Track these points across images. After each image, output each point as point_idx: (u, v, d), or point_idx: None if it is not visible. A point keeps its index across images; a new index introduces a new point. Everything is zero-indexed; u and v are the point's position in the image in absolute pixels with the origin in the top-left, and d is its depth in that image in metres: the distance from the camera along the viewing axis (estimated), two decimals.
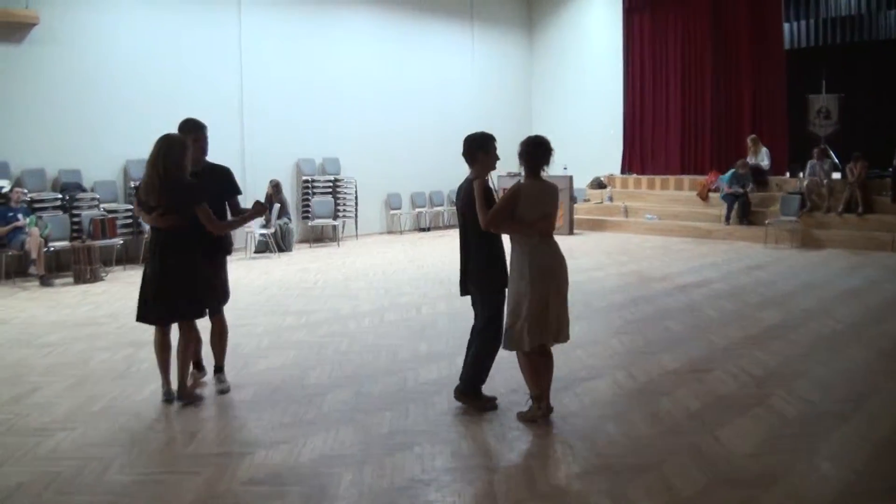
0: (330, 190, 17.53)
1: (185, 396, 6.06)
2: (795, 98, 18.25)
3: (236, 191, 6.54)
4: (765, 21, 18.53)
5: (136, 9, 14.50)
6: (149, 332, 6.22)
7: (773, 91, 18.51)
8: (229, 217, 6.41)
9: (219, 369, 6.55)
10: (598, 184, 20.63)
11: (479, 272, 5.64)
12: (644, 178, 20.19)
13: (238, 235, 15.46)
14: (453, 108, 20.30)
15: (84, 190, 13.44)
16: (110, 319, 9.23)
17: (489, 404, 5.82)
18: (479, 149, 5.57)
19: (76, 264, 12.09)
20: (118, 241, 13.12)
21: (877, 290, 10.68)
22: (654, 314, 9.28)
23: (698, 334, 8.22)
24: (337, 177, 17.66)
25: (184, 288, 5.86)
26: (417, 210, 19.79)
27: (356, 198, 17.67)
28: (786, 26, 18.79)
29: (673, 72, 20.32)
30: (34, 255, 11.72)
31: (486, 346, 5.66)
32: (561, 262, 5.48)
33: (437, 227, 20.20)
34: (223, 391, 6.36)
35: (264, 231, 15.14)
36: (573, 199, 18.51)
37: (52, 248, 12.39)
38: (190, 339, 6.07)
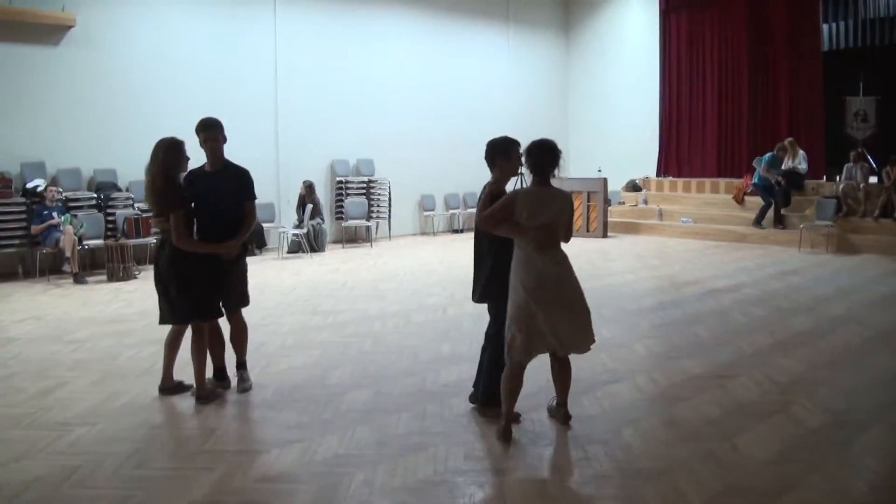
0: (364, 191, 17.61)
1: (199, 396, 6.13)
2: (832, 100, 18.01)
3: (246, 195, 6.29)
4: (802, 22, 18.31)
5: (171, 10, 14.70)
6: None
7: (809, 93, 18.29)
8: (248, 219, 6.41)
9: (240, 365, 6.53)
10: (634, 186, 20.51)
11: (489, 279, 5.58)
12: (680, 181, 20.01)
13: (271, 235, 15.64)
14: (488, 109, 20.27)
15: (119, 189, 13.64)
16: (139, 317, 9.34)
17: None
18: (499, 154, 5.46)
19: (109, 262, 12.27)
20: (151, 239, 13.27)
21: None
22: (683, 319, 9.20)
23: (725, 340, 8.12)
24: (371, 178, 17.73)
25: (178, 290, 5.97)
26: (451, 211, 19.81)
27: (389, 199, 17.74)
28: (824, 27, 18.56)
29: (709, 73, 20.14)
30: (68, 253, 11.94)
31: (498, 351, 5.63)
32: (554, 276, 5.14)
33: (471, 229, 20.08)
34: (244, 389, 6.39)
35: (297, 231, 15.24)
36: (607, 202, 18.41)
37: (86, 247, 12.61)
38: (201, 341, 6.13)
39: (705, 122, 20.32)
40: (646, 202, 19.72)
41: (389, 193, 17.72)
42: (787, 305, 9.93)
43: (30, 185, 12.57)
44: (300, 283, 11.96)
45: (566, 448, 5.17)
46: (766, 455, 4.96)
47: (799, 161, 16.74)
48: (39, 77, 13.13)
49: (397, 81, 18.51)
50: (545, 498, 4.44)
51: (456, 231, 19.78)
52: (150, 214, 6.21)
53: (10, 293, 11.25)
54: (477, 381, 5.87)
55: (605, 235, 17.74)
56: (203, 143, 6.12)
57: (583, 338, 5.28)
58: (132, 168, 13.92)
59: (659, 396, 6.27)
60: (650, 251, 15.46)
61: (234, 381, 6.52)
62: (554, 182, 5.33)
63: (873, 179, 15.88)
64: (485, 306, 5.70)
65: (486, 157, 5.56)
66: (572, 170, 20.45)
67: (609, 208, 18.61)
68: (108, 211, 13.28)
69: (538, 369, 5.73)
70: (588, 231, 17.85)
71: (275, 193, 16.31)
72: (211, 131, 6.10)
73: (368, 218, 17.43)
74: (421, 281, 12.04)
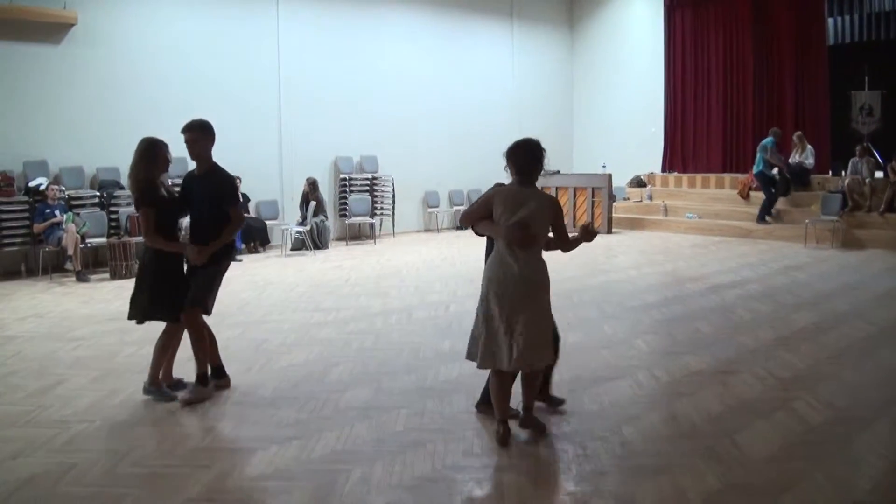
0: (367, 188, 17.58)
1: (148, 391, 6.15)
2: (838, 95, 17.92)
3: (226, 202, 6.07)
4: (808, 16, 18.22)
5: (173, 8, 14.69)
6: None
7: (815, 88, 18.19)
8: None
9: (198, 378, 6.21)
10: (638, 182, 20.43)
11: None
12: (685, 177, 19.94)
13: (274, 233, 15.63)
14: (493, 106, 20.23)
15: (122, 187, 13.60)
16: None
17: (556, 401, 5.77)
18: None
19: (112, 260, 12.26)
20: None
21: None
22: (685, 315, 9.15)
23: (728, 336, 8.08)
24: (374, 174, 17.70)
25: (147, 288, 6.02)
26: (455, 208, 19.74)
27: (393, 196, 17.70)
28: (829, 21, 18.46)
29: (714, 68, 20.04)
30: (71, 251, 11.95)
31: None
32: (522, 277, 4.96)
33: None
34: (183, 400, 6.02)
35: (300, 229, 15.22)
36: (612, 198, 18.34)
37: (89, 245, 12.59)
38: (167, 339, 6.14)
39: (710, 117, 20.23)
40: (650, 198, 19.65)
41: (393, 190, 17.68)
42: (791, 301, 9.87)
43: (32, 184, 12.56)
44: (303, 280, 11.93)
45: (565, 445, 5.13)
46: (767, 452, 4.92)
47: (806, 156, 16.64)
48: (41, 75, 13.12)
49: (401, 78, 18.46)
50: (544, 495, 4.42)
51: (460, 227, 19.70)
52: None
53: (13, 291, 11.24)
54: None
55: (609, 231, 17.67)
56: (186, 144, 6.09)
57: (537, 352, 4.98)
58: None
59: (659, 393, 6.23)
60: (654, 247, 15.40)
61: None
62: (556, 178, 5.29)
63: (879, 174, 15.78)
64: None
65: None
66: (577, 166, 20.42)
67: (614, 204, 18.53)
68: (111, 209, 13.27)
69: None
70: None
71: (278, 190, 16.31)
72: (188, 133, 6.02)
73: (372, 215, 17.40)
74: (424, 277, 12.00)
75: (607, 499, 4.32)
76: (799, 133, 16.88)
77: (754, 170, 16.73)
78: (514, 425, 5.27)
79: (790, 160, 16.71)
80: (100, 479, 4.63)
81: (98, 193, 13.36)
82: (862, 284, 10.98)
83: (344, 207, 17.26)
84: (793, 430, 5.30)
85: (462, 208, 19.32)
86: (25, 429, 5.45)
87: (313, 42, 16.79)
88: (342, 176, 17.28)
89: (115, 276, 12.15)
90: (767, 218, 16.46)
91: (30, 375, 6.83)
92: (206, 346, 6.17)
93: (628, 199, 20.12)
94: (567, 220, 4.95)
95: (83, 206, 13.05)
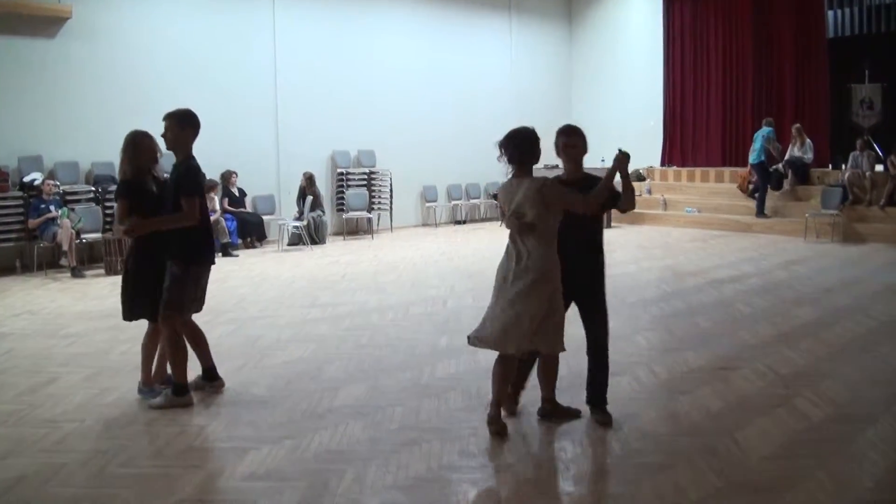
0: (365, 182, 17.49)
1: (144, 389, 6.07)
2: (838, 88, 17.82)
3: (181, 189, 5.67)
4: (808, 9, 18.11)
5: (169, 1, 14.60)
6: None
7: (815, 81, 18.07)
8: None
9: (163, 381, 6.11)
10: (637, 176, 20.31)
11: None
12: (684, 171, 19.85)
13: (271, 228, 15.54)
14: (491, 100, 20.11)
15: (117, 182, 13.49)
16: None
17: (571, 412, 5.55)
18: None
19: (107, 256, 12.19)
20: None
21: None
22: (685, 310, 9.07)
23: (728, 331, 8.00)
24: (372, 169, 17.61)
25: (129, 286, 5.96)
26: (454, 202, 19.67)
27: (391, 190, 17.61)
28: (829, 14, 18.36)
29: (714, 61, 19.93)
30: (66, 247, 11.87)
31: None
32: (514, 264, 4.95)
33: (474, 220, 20.08)
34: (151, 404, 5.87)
35: (297, 223, 15.13)
36: None
37: (84, 240, 12.51)
38: (149, 338, 6.06)
39: (709, 110, 20.13)
40: (650, 192, 19.56)
41: (391, 184, 17.59)
42: (792, 296, 9.79)
43: (27, 179, 12.48)
44: (299, 275, 11.85)
45: (563, 444, 5.05)
46: (768, 450, 4.84)
47: (805, 150, 16.55)
48: (36, 70, 13.03)
49: (399, 72, 18.36)
50: (541, 494, 4.33)
51: (458, 222, 19.63)
52: None
53: (7, 287, 11.17)
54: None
55: (608, 226, 17.57)
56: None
57: (507, 337, 4.92)
58: None
59: (659, 390, 6.15)
60: (654, 241, 15.32)
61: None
62: (555, 172, 5.24)
63: (879, 168, 15.69)
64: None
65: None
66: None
67: None
68: (107, 204, 13.15)
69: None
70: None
71: (275, 185, 16.22)
72: (164, 121, 5.82)
73: (370, 209, 17.31)
74: (421, 273, 11.92)
75: (606, 499, 4.25)
76: (798, 126, 16.74)
77: (753, 159, 16.58)
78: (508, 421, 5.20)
79: (788, 154, 16.61)
80: (89, 479, 4.55)
81: (93, 188, 13.29)
82: (862, 279, 10.90)
83: (341, 202, 17.17)
84: (794, 428, 5.22)
85: (460, 202, 19.33)
86: (15, 428, 5.36)
87: (310, 36, 16.68)
88: (339, 170, 17.20)
89: (110, 271, 12.05)
90: (766, 211, 16.38)
91: (21, 373, 6.74)
92: (182, 355, 5.85)
93: None
94: None
95: (78, 201, 12.97)
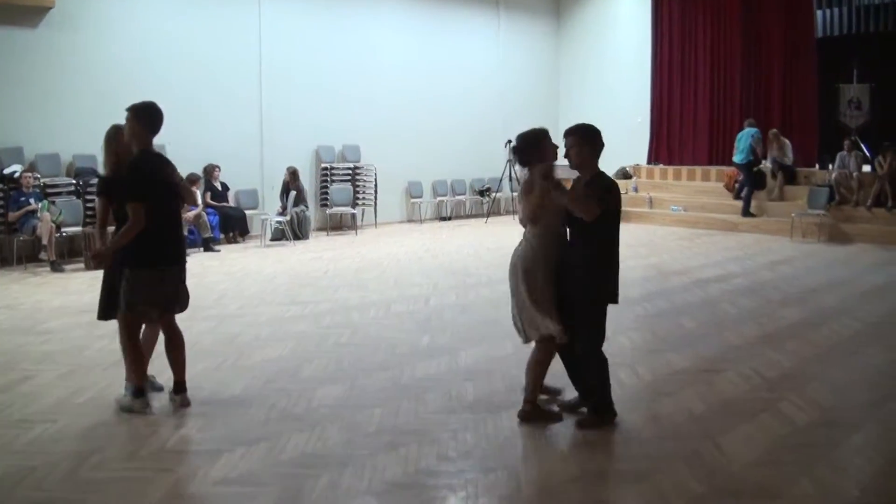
0: (349, 177, 17.36)
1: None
2: (826, 88, 17.81)
3: (124, 196, 5.44)
4: (797, 8, 18.07)
5: None
6: None
7: (803, 80, 18.05)
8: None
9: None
10: (624, 174, 20.25)
11: None
12: (671, 169, 19.78)
13: (254, 222, 15.40)
14: (478, 96, 20.02)
15: (99, 176, 13.33)
16: None
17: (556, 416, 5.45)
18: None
19: (87, 250, 12.04)
20: None
21: None
22: (669, 310, 9.00)
23: (712, 332, 7.93)
24: (356, 164, 17.48)
25: (103, 284, 5.89)
26: (439, 198, 19.55)
27: (375, 186, 17.48)
28: (818, 14, 18.35)
29: (702, 60, 19.88)
30: (45, 241, 11.70)
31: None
32: (514, 256, 5.38)
33: (459, 216, 19.95)
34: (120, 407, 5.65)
35: (280, 219, 14.99)
36: None
37: (64, 234, 12.33)
38: (145, 336, 5.92)
39: (697, 109, 20.08)
40: (636, 190, 19.50)
41: (375, 180, 17.46)
42: (777, 296, 9.73)
43: (7, 171, 12.30)
44: (281, 271, 11.72)
45: (544, 448, 4.97)
46: (752, 456, 4.76)
47: (785, 152, 16.48)
48: (17, 60, 12.83)
49: (385, 66, 18.19)
50: (519, 501, 4.24)
51: (444, 219, 19.51)
52: None
53: None
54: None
55: None
56: None
57: (517, 328, 5.38)
58: None
59: (642, 391, 6.07)
60: (639, 240, 15.23)
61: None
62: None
63: (867, 168, 15.67)
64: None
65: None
66: (562, 157, 20.17)
67: None
68: (87, 197, 12.95)
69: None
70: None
71: (258, 180, 16.06)
72: (127, 113, 5.68)
73: (354, 205, 17.19)
74: (404, 269, 11.80)
75: None
76: (774, 130, 16.66)
77: (739, 159, 16.48)
78: None
79: (769, 159, 16.57)
80: (59, 483, 4.43)
81: (74, 181, 13.10)
82: (849, 279, 10.86)
83: (325, 197, 17.03)
84: (778, 433, 5.14)
85: (445, 199, 19.21)
86: None
87: (295, 29, 16.51)
88: (324, 165, 17.05)
89: (90, 266, 11.88)
90: (753, 210, 16.33)
91: None
92: (139, 358, 5.61)
93: None
94: None
95: (59, 194, 12.78)
